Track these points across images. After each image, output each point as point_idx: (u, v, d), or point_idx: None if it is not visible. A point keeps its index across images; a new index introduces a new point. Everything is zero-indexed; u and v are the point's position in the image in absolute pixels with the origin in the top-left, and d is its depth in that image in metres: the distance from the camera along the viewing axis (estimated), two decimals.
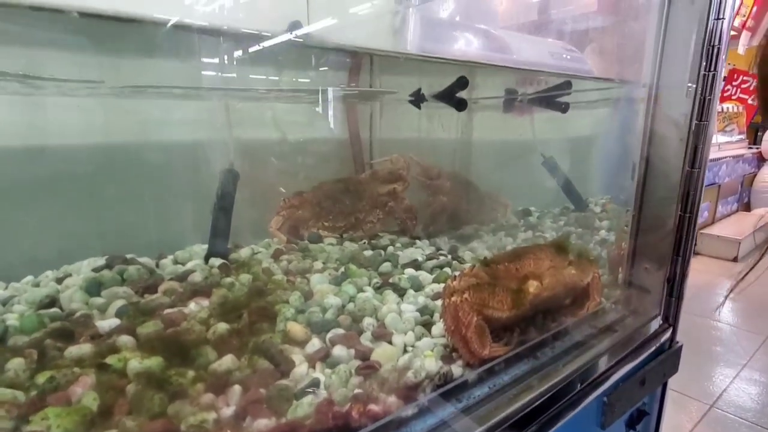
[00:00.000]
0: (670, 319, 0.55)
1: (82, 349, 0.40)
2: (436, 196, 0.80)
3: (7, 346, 0.42)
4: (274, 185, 0.82)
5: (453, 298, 0.42)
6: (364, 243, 0.72)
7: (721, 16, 0.50)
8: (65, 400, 0.33)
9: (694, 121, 0.50)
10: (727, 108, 4.27)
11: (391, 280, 0.56)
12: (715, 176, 3.58)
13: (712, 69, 0.50)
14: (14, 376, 0.36)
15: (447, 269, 0.60)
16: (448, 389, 0.39)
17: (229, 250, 0.64)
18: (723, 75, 0.51)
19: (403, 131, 0.99)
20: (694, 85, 0.51)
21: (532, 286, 0.45)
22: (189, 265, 0.61)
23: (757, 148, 4.22)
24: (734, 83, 4.49)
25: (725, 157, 3.64)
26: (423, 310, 0.49)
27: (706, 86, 0.51)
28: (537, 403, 0.41)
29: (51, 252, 0.64)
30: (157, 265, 0.62)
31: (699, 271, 3.28)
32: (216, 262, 0.60)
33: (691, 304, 2.72)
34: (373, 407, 0.35)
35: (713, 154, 3.50)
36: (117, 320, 0.47)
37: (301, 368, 0.39)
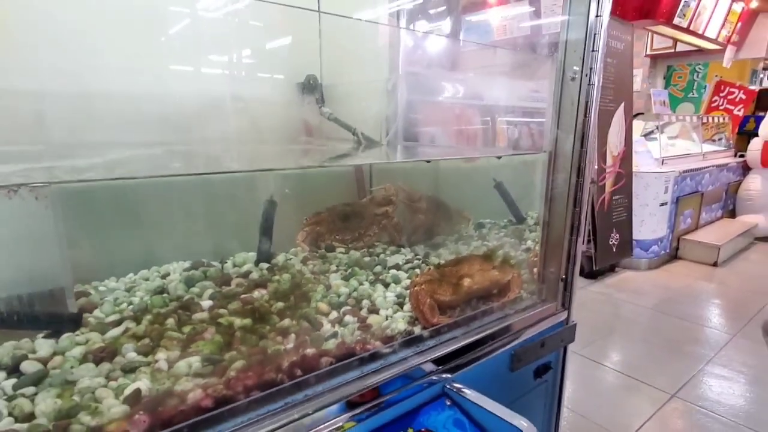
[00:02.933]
0: (565, 304, 0.84)
1: (200, 315, 0.70)
2: (415, 215, 1.10)
3: (153, 313, 0.71)
4: (301, 207, 1.12)
5: (415, 288, 0.72)
6: (365, 251, 1.02)
7: (591, 83, 0.77)
8: (203, 339, 0.63)
9: (574, 177, 0.79)
10: (714, 119, 4.52)
11: (381, 277, 0.85)
12: (698, 185, 3.82)
13: (587, 129, 0.78)
14: (171, 326, 0.65)
15: (417, 270, 0.89)
16: (410, 339, 0.68)
17: (272, 255, 0.94)
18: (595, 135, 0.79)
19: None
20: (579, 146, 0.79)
21: (465, 281, 0.74)
22: (245, 267, 0.90)
23: (742, 157, 4.44)
24: (721, 94, 4.74)
25: (709, 167, 3.89)
26: (399, 296, 0.79)
27: (585, 138, 0.79)
28: (465, 348, 0.70)
29: (146, 256, 0.93)
30: (222, 267, 0.92)
31: (679, 274, 3.54)
32: (264, 265, 0.90)
33: (667, 306, 3.00)
34: (367, 346, 0.65)
35: (696, 164, 3.76)
36: (210, 302, 0.76)
37: (326, 327, 0.69)
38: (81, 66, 0.86)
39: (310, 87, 1.37)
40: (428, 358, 0.66)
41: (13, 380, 0.53)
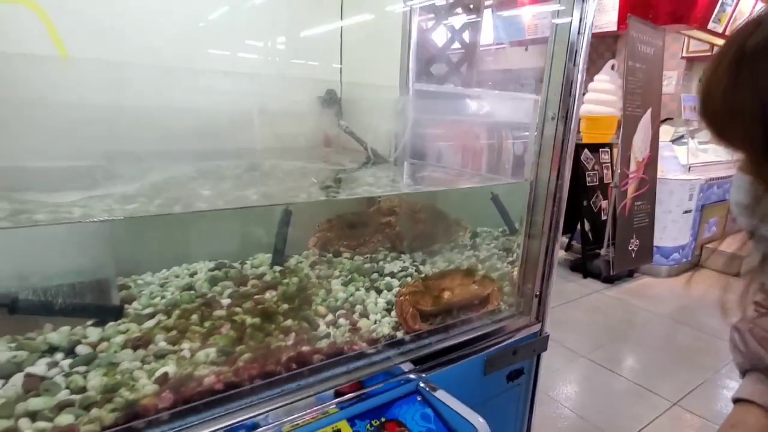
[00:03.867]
0: (539, 317, 0.93)
1: (219, 312, 0.83)
2: (416, 224, 1.21)
3: (181, 309, 0.85)
4: (314, 215, 1.24)
5: (400, 298, 0.83)
6: (367, 257, 1.14)
7: (568, 124, 0.85)
8: (220, 333, 0.76)
9: (550, 205, 0.88)
10: None
11: (375, 284, 0.97)
12: (725, 193, 3.74)
13: (564, 163, 0.87)
14: (195, 321, 0.79)
15: (409, 278, 1.01)
16: (393, 342, 0.80)
17: (285, 259, 1.07)
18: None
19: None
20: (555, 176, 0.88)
21: (446, 294, 0.85)
22: (261, 269, 1.04)
23: None
24: None
25: None
26: (389, 302, 0.90)
27: (561, 171, 0.88)
28: (440, 352, 0.81)
29: (177, 252, 1.08)
30: (242, 268, 1.05)
31: (700, 283, 3.51)
32: (277, 268, 1.03)
33: (682, 315, 3.01)
34: (354, 347, 0.77)
35: (725, 172, 3.68)
36: (229, 300, 0.89)
37: (322, 327, 0.81)
38: (140, 83, 1.01)
39: (330, 101, 1.48)
40: (406, 359, 0.77)
41: (70, 360, 0.67)
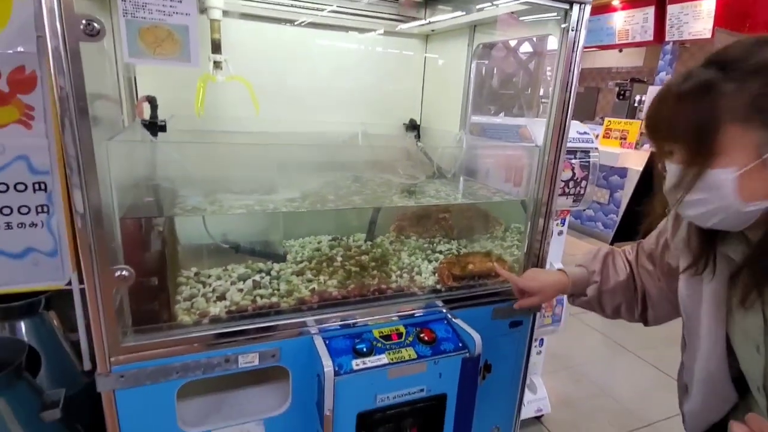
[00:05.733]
0: None
1: (336, 264, 1.46)
2: (463, 220, 1.74)
3: (316, 260, 1.49)
4: (395, 210, 1.83)
5: (440, 265, 1.39)
6: (427, 240, 1.70)
7: (558, 156, 1.33)
8: (336, 273, 1.39)
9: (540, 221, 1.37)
10: None
11: (428, 257, 1.54)
12: None
13: (554, 187, 1.36)
14: (324, 267, 1.43)
15: (450, 255, 1.56)
16: (434, 290, 1.37)
17: (374, 237, 1.67)
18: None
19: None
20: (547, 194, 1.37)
21: (470, 266, 1.39)
22: (359, 243, 1.65)
23: None
24: None
25: None
26: (434, 268, 1.47)
27: (551, 191, 1.36)
28: (464, 297, 1.36)
29: (311, 231, 1.73)
30: (348, 241, 1.68)
31: None
32: (369, 243, 1.64)
33: None
34: (411, 289, 1.35)
35: None
36: (340, 258, 1.52)
37: (393, 277, 1.40)
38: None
39: (412, 126, 2.06)
40: (440, 300, 1.34)
41: (268, 277, 1.34)
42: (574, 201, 2.05)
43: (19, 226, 1.48)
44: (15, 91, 1.40)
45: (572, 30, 1.23)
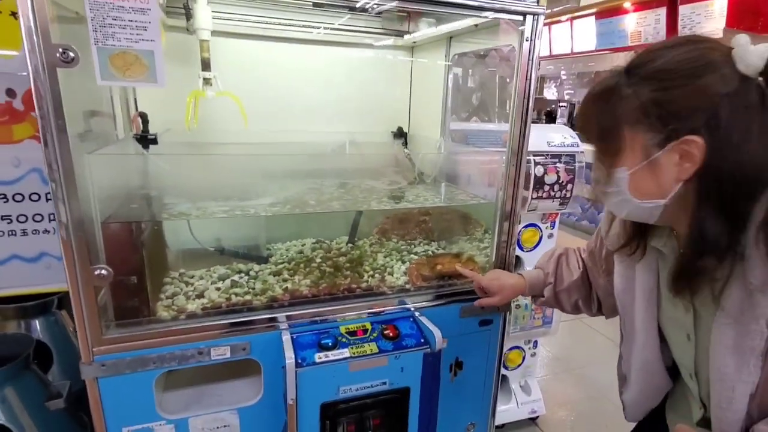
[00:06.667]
0: None
1: (314, 265, 1.55)
2: (443, 222, 1.80)
3: (295, 261, 1.59)
4: (377, 214, 1.91)
5: (410, 265, 1.46)
6: (406, 242, 1.77)
7: (518, 169, 1.38)
8: (312, 273, 1.48)
9: (506, 224, 1.42)
10: None
11: (402, 258, 1.61)
12: None
13: (516, 192, 1.41)
14: (301, 268, 1.52)
15: (425, 256, 1.62)
16: (403, 289, 1.44)
17: (356, 241, 1.76)
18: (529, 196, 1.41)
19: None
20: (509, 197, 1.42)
21: (438, 266, 1.45)
22: (341, 245, 1.74)
23: None
24: None
25: None
26: (407, 268, 1.54)
27: (514, 199, 1.41)
28: (433, 297, 1.42)
29: (295, 234, 1.83)
30: (330, 244, 1.77)
31: None
32: (349, 245, 1.72)
33: None
34: (381, 288, 1.42)
35: None
36: (320, 260, 1.60)
37: (365, 277, 1.48)
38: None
39: (399, 134, 2.14)
40: (408, 298, 1.40)
41: (247, 277, 1.44)
42: (560, 204, 2.08)
43: (34, 232, 1.63)
44: (29, 109, 1.56)
45: (527, 40, 1.29)
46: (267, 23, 1.80)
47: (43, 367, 1.62)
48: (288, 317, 1.28)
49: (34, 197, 1.60)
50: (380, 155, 2.09)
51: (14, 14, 1.41)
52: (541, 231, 2.13)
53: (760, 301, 0.65)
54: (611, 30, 5.65)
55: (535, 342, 2.33)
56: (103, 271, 1.05)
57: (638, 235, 0.87)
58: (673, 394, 0.98)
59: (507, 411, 2.29)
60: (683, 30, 4.81)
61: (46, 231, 1.64)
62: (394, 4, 1.21)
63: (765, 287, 0.64)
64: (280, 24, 1.82)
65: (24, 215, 1.60)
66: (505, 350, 2.11)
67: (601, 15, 5.48)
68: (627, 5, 5.46)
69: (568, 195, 2.06)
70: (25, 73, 1.52)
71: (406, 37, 1.98)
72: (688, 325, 0.82)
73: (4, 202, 1.54)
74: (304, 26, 1.83)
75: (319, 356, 1.19)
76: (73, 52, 0.92)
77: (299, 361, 1.16)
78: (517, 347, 2.27)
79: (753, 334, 0.66)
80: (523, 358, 2.30)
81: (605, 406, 2.49)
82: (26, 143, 1.56)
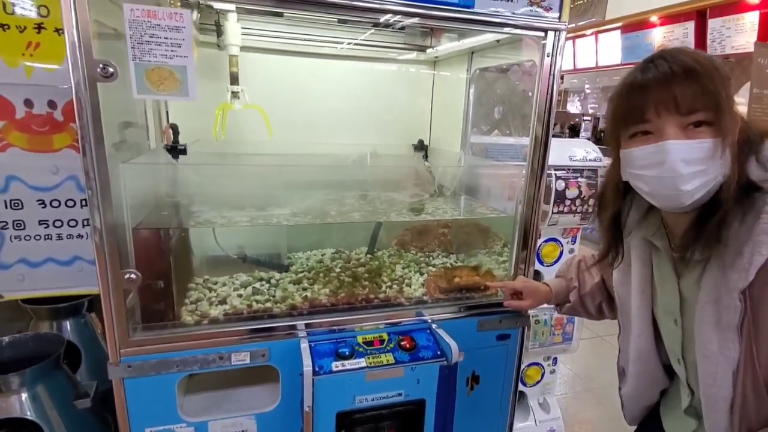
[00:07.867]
0: None
1: (333, 274, 1.57)
2: (462, 235, 1.81)
3: (315, 270, 1.61)
4: (398, 225, 1.92)
5: (428, 277, 1.46)
6: (425, 254, 1.78)
7: (539, 187, 1.38)
8: (331, 283, 1.50)
9: (520, 238, 1.42)
10: None
11: (420, 269, 1.62)
12: None
13: (536, 204, 1.40)
14: (321, 277, 1.54)
15: (443, 268, 1.63)
16: (420, 301, 1.44)
17: (375, 252, 1.78)
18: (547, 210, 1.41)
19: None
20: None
21: (456, 279, 1.46)
22: (360, 255, 1.76)
23: None
24: None
25: None
26: (425, 280, 1.54)
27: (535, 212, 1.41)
28: (450, 310, 1.42)
29: (316, 244, 1.86)
30: (349, 254, 1.79)
31: None
32: (369, 256, 1.75)
33: None
34: (399, 299, 1.43)
35: None
36: (339, 269, 1.63)
37: (384, 287, 1.50)
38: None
39: (420, 147, 2.16)
40: (425, 310, 1.41)
41: (267, 284, 1.47)
42: (582, 219, 2.05)
43: (68, 237, 1.71)
44: (68, 119, 1.64)
45: (548, 56, 1.30)
46: (293, 39, 1.86)
47: (72, 367, 1.69)
48: (307, 325, 1.30)
49: (70, 203, 1.67)
50: (401, 168, 2.11)
51: (58, 30, 1.50)
52: (562, 246, 2.11)
53: (731, 275, 0.71)
54: (637, 44, 5.60)
55: (555, 359, 2.29)
56: (133, 275, 1.10)
57: (614, 242, 0.95)
58: (668, 393, 1.03)
59: (525, 428, 2.25)
60: (712, 44, 4.72)
61: (79, 236, 1.71)
62: (417, 20, 1.24)
63: (733, 263, 0.71)
64: (305, 39, 1.87)
65: (60, 220, 1.68)
66: (523, 366, 2.09)
67: (626, 29, 5.42)
68: (653, 19, 5.41)
69: (590, 210, 2.04)
70: (65, 86, 1.61)
71: (429, 51, 2.00)
72: (675, 310, 0.87)
73: (42, 207, 1.62)
74: (329, 41, 1.88)
75: (336, 365, 1.21)
76: (113, 68, 0.98)
77: (316, 368, 1.18)
78: (536, 363, 2.23)
79: (728, 309, 0.72)
80: (542, 375, 2.26)
81: (626, 427, 2.42)
82: (64, 152, 1.64)
